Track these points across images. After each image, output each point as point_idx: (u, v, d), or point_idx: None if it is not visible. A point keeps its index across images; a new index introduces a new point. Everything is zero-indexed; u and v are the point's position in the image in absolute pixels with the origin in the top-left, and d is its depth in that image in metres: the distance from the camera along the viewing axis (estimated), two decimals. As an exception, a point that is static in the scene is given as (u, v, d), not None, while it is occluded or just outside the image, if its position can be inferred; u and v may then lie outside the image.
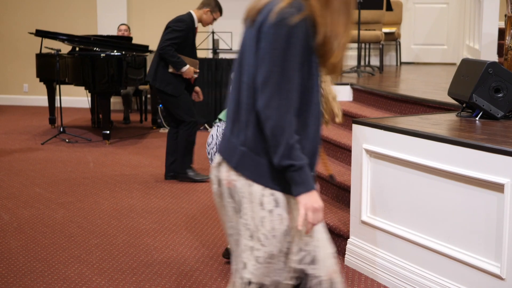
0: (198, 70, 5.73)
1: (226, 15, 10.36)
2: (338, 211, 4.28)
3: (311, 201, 1.92)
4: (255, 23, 1.93)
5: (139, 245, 4.17)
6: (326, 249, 2.08)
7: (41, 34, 8.19)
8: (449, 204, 3.13)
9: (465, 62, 3.96)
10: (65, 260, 3.88)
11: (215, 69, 8.41)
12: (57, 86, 7.79)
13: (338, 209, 4.34)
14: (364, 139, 3.66)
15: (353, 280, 3.64)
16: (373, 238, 3.63)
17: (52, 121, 8.64)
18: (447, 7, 9.25)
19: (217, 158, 2.11)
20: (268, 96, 1.87)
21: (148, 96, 9.16)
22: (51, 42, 8.25)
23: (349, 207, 3.92)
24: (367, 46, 8.91)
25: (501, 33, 6.67)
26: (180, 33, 5.54)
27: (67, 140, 7.59)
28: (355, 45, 8.28)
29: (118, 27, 9.12)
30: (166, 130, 8.41)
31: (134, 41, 8.54)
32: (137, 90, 9.04)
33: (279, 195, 1.97)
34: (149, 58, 8.12)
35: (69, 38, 8.06)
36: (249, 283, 2.02)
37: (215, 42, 8.90)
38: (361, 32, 7.48)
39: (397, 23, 9.16)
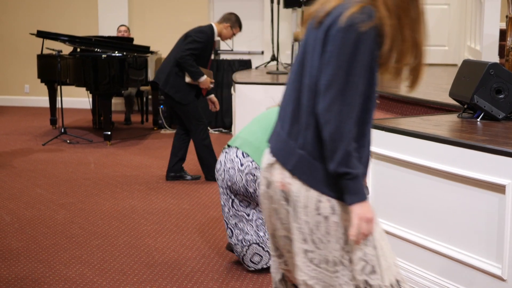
0: (213, 80, 5.80)
1: (227, 16, 10.39)
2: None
3: (364, 211, 1.89)
4: (323, 25, 1.88)
5: (140, 246, 4.17)
6: (389, 257, 2.02)
7: (42, 35, 8.20)
8: (450, 205, 3.13)
9: (466, 63, 3.95)
10: (66, 261, 3.88)
11: (216, 70, 8.41)
12: (58, 87, 7.80)
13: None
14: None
15: (354, 281, 3.63)
16: (374, 239, 3.63)
17: (53, 122, 8.65)
18: (448, 8, 9.24)
19: (267, 158, 2.05)
20: (330, 99, 1.83)
21: (149, 97, 9.15)
22: (52, 43, 8.25)
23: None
24: (368, 47, 8.89)
25: (502, 34, 6.66)
26: (200, 44, 5.59)
27: (68, 141, 7.59)
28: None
29: (118, 28, 9.13)
30: (167, 131, 8.44)
31: (135, 42, 8.54)
32: (138, 91, 9.04)
33: (336, 203, 1.92)
34: (150, 59, 8.13)
35: (70, 39, 8.07)
36: (306, 284, 1.98)
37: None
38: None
39: (398, 24, 9.14)
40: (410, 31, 1.86)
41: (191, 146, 5.91)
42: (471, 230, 3.03)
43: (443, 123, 3.67)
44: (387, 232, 3.54)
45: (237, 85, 6.32)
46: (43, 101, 9.48)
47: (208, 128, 8.12)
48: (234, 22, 5.83)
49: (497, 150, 2.88)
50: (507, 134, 3.32)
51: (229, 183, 3.62)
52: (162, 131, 8.49)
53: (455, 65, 8.68)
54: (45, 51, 8.25)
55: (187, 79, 5.60)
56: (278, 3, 8.21)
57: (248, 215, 3.66)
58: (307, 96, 1.91)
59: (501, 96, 3.65)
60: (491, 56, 6.70)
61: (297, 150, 1.94)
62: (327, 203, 1.92)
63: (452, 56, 9.19)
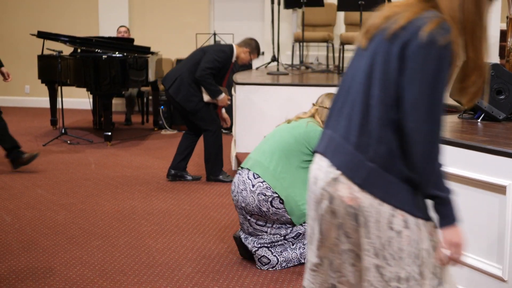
0: (230, 97, 5.92)
1: (227, 17, 10.40)
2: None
3: (454, 236, 1.85)
4: (398, 39, 1.83)
5: (140, 246, 4.17)
6: (448, 269, 2.00)
7: (43, 35, 8.20)
8: (451, 206, 3.12)
9: (467, 64, 3.95)
10: (67, 261, 3.88)
11: (217, 70, 8.41)
12: (59, 88, 7.80)
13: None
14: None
15: (354, 282, 3.63)
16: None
17: (53, 122, 8.65)
18: (449, 8, 9.24)
19: (329, 172, 1.94)
20: (418, 120, 1.79)
21: (150, 97, 9.16)
22: (52, 44, 8.25)
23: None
24: (369, 47, 8.90)
25: (503, 34, 6.66)
26: (220, 64, 5.68)
27: (68, 142, 7.59)
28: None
29: (118, 29, 9.13)
30: (168, 132, 8.44)
31: (135, 43, 8.54)
32: (139, 91, 9.04)
33: (409, 217, 1.87)
34: (151, 59, 8.14)
35: (70, 40, 8.07)
36: None
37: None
38: (363, 33, 7.46)
39: (399, 24, 9.14)
40: (474, 49, 1.84)
41: (196, 148, 5.94)
42: (471, 231, 3.03)
43: (443, 124, 3.66)
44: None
45: (237, 86, 6.32)
46: (44, 101, 9.49)
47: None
48: (253, 48, 5.93)
49: (497, 151, 2.88)
50: (508, 134, 3.32)
51: (243, 205, 3.76)
52: (163, 132, 8.49)
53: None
54: (46, 52, 8.25)
55: (206, 98, 5.69)
56: (279, 3, 8.21)
57: (266, 232, 3.79)
58: (379, 109, 1.85)
59: (502, 96, 3.65)
60: (492, 56, 6.70)
61: (367, 163, 1.86)
62: (400, 218, 1.86)
63: (452, 57, 9.18)
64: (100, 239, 4.29)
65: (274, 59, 8.24)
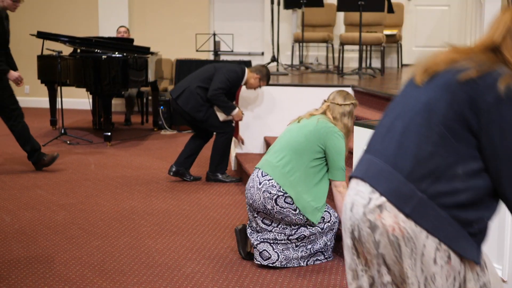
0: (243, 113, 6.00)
1: (227, 17, 10.40)
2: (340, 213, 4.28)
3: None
4: (468, 85, 1.79)
5: (140, 247, 4.17)
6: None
7: (43, 36, 8.20)
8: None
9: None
10: (67, 261, 3.88)
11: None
12: (59, 88, 7.80)
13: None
14: (366, 141, 3.66)
15: (354, 282, 3.63)
16: (375, 240, 3.62)
17: (53, 122, 8.65)
18: (449, 9, 9.25)
19: (372, 198, 1.86)
20: None
21: (150, 98, 9.16)
22: (52, 44, 8.25)
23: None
24: (369, 48, 8.91)
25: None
26: (230, 84, 5.75)
27: (68, 142, 7.59)
28: (356, 47, 8.29)
29: (118, 29, 9.13)
30: (167, 132, 8.44)
31: (135, 43, 8.54)
32: (139, 92, 9.04)
33: (453, 254, 1.82)
34: (151, 60, 8.13)
35: (70, 40, 8.07)
36: None
37: (216, 44, 8.91)
38: (363, 34, 7.48)
39: (399, 25, 9.16)
40: None
41: (201, 152, 5.99)
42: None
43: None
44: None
45: (237, 86, 6.32)
46: (43, 102, 9.49)
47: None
48: (264, 75, 5.95)
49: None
50: (508, 135, 3.32)
51: (250, 201, 3.83)
52: (162, 132, 8.49)
53: (455, 66, 8.68)
54: (45, 52, 8.25)
55: (221, 117, 5.75)
56: (278, 4, 8.22)
57: (270, 231, 3.83)
58: (444, 150, 1.81)
59: (502, 97, 3.64)
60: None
61: (418, 193, 1.80)
62: (445, 252, 1.82)
63: (452, 57, 9.18)
64: (100, 239, 4.29)
65: (274, 59, 8.25)
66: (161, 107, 8.57)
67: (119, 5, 10.21)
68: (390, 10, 7.93)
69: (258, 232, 3.88)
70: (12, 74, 6.23)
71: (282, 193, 3.70)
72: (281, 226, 3.79)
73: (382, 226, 1.84)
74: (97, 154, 7.06)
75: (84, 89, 7.72)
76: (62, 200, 5.23)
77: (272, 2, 8.29)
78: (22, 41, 10.41)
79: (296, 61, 8.73)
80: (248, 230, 3.93)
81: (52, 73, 8.00)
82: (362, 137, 3.70)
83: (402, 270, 1.86)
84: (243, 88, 6.14)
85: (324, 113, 3.92)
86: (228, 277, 3.68)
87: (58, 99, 7.97)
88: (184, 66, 8.54)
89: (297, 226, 3.78)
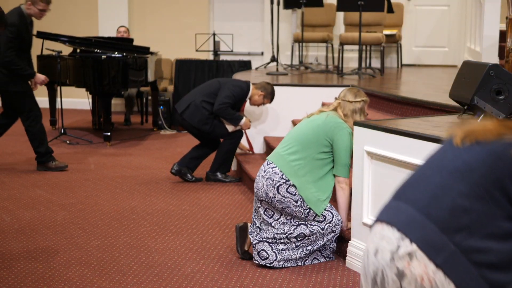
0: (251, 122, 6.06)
1: (227, 17, 10.40)
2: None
3: None
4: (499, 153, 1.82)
5: (140, 246, 4.17)
6: None
7: (42, 35, 8.19)
8: (451, 206, 3.12)
9: (467, 64, 3.96)
10: (66, 261, 3.88)
11: (216, 70, 8.42)
12: (58, 88, 7.80)
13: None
14: (365, 141, 3.66)
15: (354, 282, 3.64)
16: (375, 240, 3.62)
17: (53, 122, 8.65)
18: (448, 9, 9.25)
19: (402, 245, 1.82)
20: None
21: (149, 98, 9.15)
22: (52, 44, 8.25)
23: (350, 209, 3.92)
24: (368, 48, 8.91)
25: (502, 35, 6.67)
26: (236, 99, 5.81)
27: (68, 142, 7.59)
28: (356, 47, 8.29)
29: (117, 29, 9.13)
30: (167, 132, 8.43)
31: (135, 43, 8.54)
32: (138, 92, 9.04)
33: None
34: (150, 60, 8.13)
35: (70, 40, 8.06)
36: None
37: (216, 44, 8.91)
38: (362, 34, 7.48)
39: (398, 25, 9.16)
40: None
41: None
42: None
43: (443, 124, 3.67)
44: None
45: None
46: (43, 101, 9.46)
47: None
48: (268, 93, 5.97)
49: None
50: (507, 135, 3.32)
51: (255, 190, 3.88)
52: (162, 132, 8.49)
53: (455, 66, 8.69)
54: (45, 52, 8.25)
55: (230, 129, 5.81)
56: (278, 4, 8.21)
57: (271, 225, 3.84)
58: (481, 209, 1.80)
59: (501, 97, 3.65)
60: (491, 57, 6.71)
61: (450, 245, 1.78)
62: None
63: (452, 57, 9.19)
64: (100, 239, 4.29)
65: (274, 59, 8.24)
66: (161, 107, 8.57)
67: (119, 5, 10.21)
68: (390, 10, 7.93)
69: (259, 230, 3.88)
70: (39, 77, 6.34)
71: (284, 180, 3.73)
72: (281, 220, 3.80)
73: (410, 274, 1.79)
74: (96, 154, 7.06)
75: (84, 89, 7.72)
76: (62, 200, 5.23)
77: (272, 2, 8.29)
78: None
79: (295, 61, 8.73)
80: (250, 228, 3.94)
81: (52, 73, 7.98)
82: (362, 137, 3.70)
83: None
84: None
85: (335, 110, 3.96)
86: (228, 277, 3.68)
87: (58, 99, 7.97)
88: (183, 66, 8.54)
89: (296, 223, 3.78)
